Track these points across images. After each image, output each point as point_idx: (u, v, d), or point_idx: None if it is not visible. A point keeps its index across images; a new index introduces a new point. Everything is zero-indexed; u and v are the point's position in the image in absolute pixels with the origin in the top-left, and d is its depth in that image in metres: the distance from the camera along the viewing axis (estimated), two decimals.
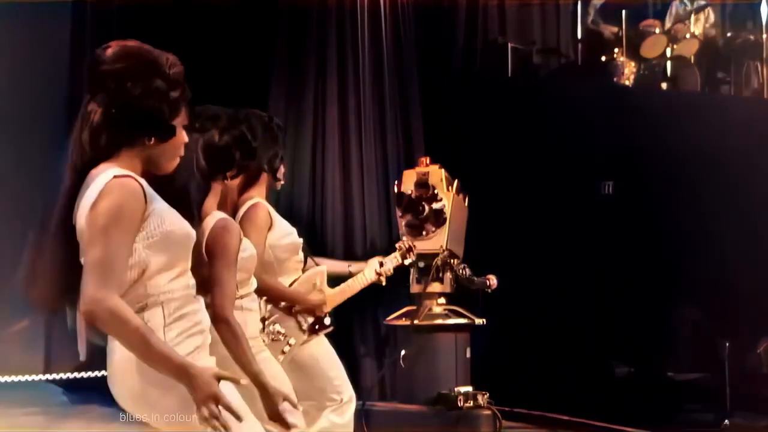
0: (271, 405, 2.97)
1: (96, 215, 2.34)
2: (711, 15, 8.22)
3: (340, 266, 4.40)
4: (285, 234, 3.82)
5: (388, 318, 5.83)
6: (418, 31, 7.11)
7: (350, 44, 6.77)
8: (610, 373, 6.34)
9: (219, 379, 2.32)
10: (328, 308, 3.99)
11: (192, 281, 2.52)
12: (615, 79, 7.62)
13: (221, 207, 3.24)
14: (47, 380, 7.23)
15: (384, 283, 4.38)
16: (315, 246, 4.79)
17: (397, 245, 4.64)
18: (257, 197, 3.75)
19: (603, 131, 6.36)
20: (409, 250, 4.58)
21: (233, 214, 3.45)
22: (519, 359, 6.22)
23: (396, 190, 5.76)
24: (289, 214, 4.43)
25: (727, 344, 5.72)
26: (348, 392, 3.98)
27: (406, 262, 4.61)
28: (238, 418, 2.32)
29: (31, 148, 7.04)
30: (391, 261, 4.45)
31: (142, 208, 2.38)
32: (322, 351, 3.97)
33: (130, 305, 2.36)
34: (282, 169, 3.92)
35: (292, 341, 3.85)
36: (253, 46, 6.82)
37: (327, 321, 3.98)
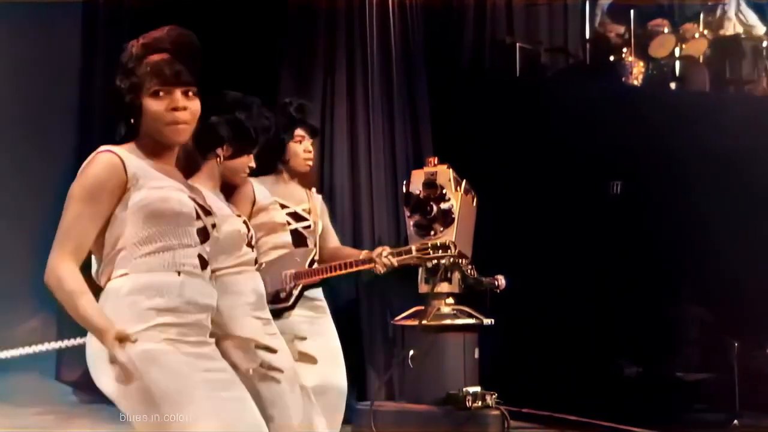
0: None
1: (72, 186, 2.45)
2: (750, 13, 8.14)
3: (353, 254, 4.26)
4: (262, 213, 3.86)
5: (397, 318, 5.83)
6: (426, 30, 7.11)
7: (359, 44, 6.77)
8: (619, 374, 6.33)
9: (121, 339, 2.33)
10: (301, 283, 3.86)
11: (184, 260, 2.49)
12: (623, 79, 7.61)
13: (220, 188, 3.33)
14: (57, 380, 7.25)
15: (380, 272, 4.01)
16: None
17: (430, 242, 4.13)
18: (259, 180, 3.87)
19: (611, 131, 6.34)
20: (444, 247, 4.03)
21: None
22: (527, 359, 6.21)
23: (404, 190, 5.77)
24: None
25: (736, 344, 5.71)
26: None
27: (440, 261, 4.37)
28: (128, 377, 2.33)
29: (43, 149, 7.07)
30: (400, 254, 4.03)
31: (119, 181, 2.43)
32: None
33: (104, 273, 2.45)
34: (292, 150, 4.03)
35: None
36: (262, 44, 6.82)
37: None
